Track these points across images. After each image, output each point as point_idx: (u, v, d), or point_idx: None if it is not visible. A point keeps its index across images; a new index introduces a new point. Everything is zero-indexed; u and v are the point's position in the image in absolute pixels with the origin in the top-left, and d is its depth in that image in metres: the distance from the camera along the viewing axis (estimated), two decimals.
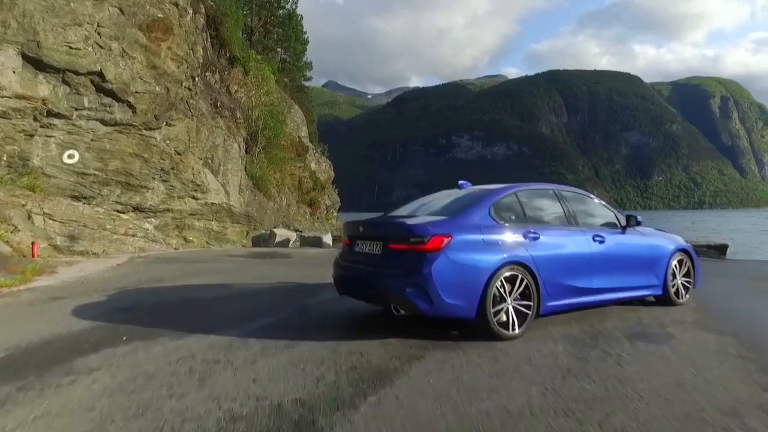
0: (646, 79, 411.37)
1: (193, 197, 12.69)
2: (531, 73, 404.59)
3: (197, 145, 12.93)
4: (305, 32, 33.56)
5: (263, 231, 12.17)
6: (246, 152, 18.58)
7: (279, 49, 32.03)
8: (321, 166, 29.43)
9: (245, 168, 17.48)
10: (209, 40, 17.13)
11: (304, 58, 34.85)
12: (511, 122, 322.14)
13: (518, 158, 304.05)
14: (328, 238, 8.06)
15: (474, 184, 5.27)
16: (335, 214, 30.36)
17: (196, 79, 14.16)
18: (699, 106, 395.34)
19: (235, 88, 20.79)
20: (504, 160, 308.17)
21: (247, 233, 16.01)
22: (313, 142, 31.90)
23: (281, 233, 8.24)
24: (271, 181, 19.60)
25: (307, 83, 37.51)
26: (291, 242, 8.51)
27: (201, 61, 14.96)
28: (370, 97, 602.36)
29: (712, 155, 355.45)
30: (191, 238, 13.07)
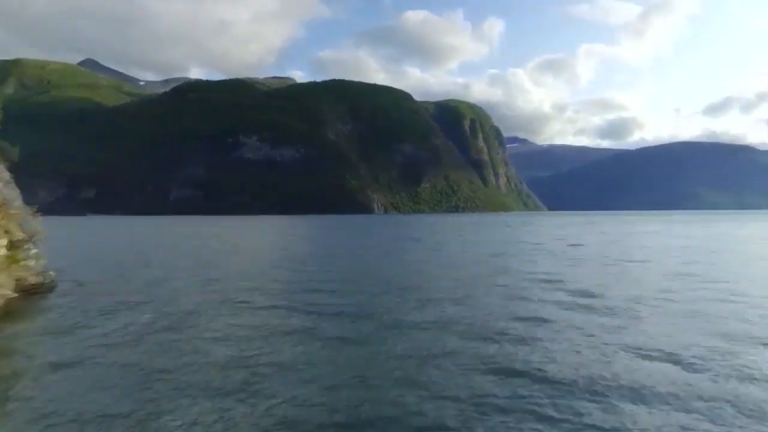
0: (416, 97, 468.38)
1: None
2: (317, 78, 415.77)
3: None
4: None
5: None
6: None
7: None
8: None
9: None
10: None
11: None
12: (299, 125, 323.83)
13: (306, 161, 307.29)
14: None
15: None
16: (33, 251, 16.39)
17: None
18: (454, 125, 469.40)
19: None
20: (292, 162, 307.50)
21: None
22: None
23: None
24: None
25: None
26: None
27: None
28: (142, 84, 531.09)
29: (465, 167, 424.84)
30: None
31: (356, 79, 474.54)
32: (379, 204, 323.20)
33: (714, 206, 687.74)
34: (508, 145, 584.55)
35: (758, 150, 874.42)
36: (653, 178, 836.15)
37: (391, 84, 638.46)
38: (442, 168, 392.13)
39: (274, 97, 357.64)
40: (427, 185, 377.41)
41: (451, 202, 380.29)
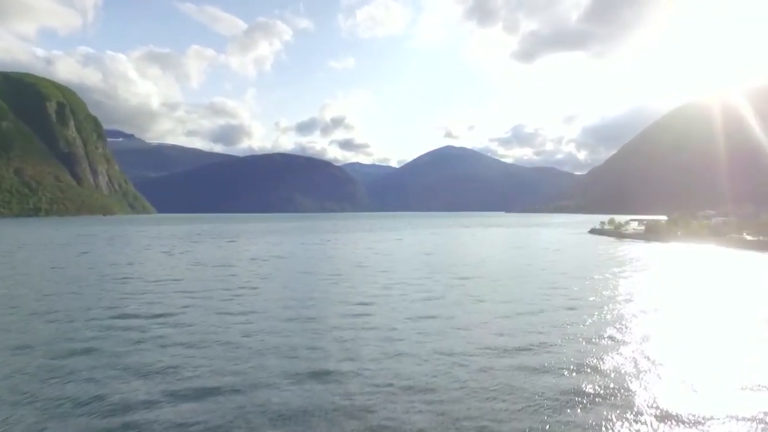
0: None
1: None
2: None
3: None
4: None
5: None
6: None
7: None
8: None
9: None
10: None
11: None
12: None
13: None
14: None
15: None
16: None
17: None
18: (34, 107, 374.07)
19: None
20: None
21: None
22: None
23: None
24: None
25: None
26: None
27: None
28: None
29: (49, 161, 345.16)
30: None
31: None
32: None
33: (305, 209, 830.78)
34: (110, 140, 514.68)
35: (333, 165, 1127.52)
36: (259, 183, 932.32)
37: None
38: (11, 159, 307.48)
39: None
40: None
41: (27, 204, 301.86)
